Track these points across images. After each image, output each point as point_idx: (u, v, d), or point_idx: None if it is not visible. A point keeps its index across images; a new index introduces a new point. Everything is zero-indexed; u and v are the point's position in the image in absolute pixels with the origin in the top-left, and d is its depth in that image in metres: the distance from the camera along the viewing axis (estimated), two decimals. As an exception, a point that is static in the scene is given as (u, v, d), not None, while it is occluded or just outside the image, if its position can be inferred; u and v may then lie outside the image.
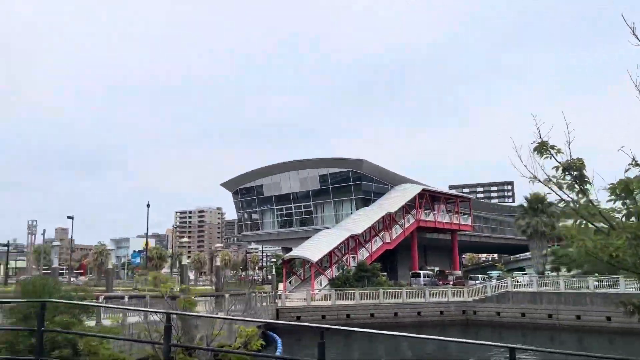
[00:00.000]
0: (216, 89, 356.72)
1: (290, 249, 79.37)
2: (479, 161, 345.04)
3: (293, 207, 74.24)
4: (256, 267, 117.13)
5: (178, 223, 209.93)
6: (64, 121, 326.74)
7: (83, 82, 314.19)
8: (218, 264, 36.26)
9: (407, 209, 63.13)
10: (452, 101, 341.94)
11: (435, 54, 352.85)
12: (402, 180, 68.66)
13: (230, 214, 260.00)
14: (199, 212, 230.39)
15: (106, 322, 15.80)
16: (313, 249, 51.41)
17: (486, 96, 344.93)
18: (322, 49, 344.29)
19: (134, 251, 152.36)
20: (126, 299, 24.95)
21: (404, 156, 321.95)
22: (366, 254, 56.41)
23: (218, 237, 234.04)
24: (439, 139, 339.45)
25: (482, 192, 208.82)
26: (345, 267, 53.35)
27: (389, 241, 59.53)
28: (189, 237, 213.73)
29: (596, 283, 41.21)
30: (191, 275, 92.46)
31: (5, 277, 58.25)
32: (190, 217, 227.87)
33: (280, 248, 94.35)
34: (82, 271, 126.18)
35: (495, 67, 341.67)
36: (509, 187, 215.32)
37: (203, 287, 59.65)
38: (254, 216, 79.82)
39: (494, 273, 72.44)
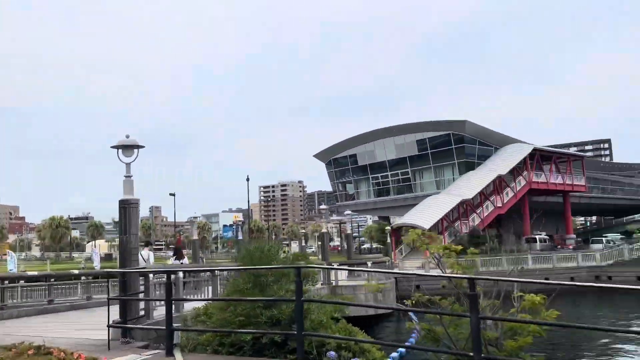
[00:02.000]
0: (293, 60, 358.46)
1: (387, 218, 78.02)
2: (567, 119, 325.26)
3: (389, 175, 72.27)
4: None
5: (262, 197, 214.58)
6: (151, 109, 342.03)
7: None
8: (349, 231, 35.22)
9: (517, 170, 59.30)
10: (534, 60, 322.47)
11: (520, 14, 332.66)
12: (507, 140, 64.49)
13: (313, 186, 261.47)
14: (282, 186, 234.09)
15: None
16: (423, 215, 49.45)
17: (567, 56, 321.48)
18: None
19: (224, 225, 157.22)
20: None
21: (489, 118, 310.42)
22: (477, 220, 53.66)
23: (301, 210, 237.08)
24: (522, 98, 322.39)
25: (575, 151, 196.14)
26: (458, 233, 51.02)
27: (501, 205, 56.33)
28: (273, 210, 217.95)
29: None
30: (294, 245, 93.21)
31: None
32: (273, 192, 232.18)
33: (375, 217, 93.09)
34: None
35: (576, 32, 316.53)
36: (606, 145, 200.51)
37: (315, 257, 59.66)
38: (349, 186, 78.87)
39: (612, 236, 67.54)
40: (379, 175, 73.63)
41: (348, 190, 79.42)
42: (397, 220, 52.86)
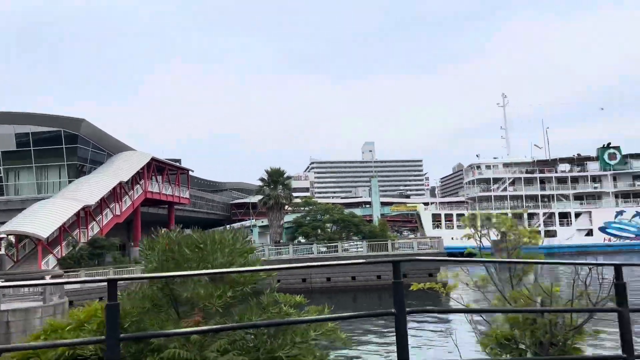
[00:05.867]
0: None
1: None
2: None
3: (-30, 172, 57.43)
4: None
5: None
6: None
7: None
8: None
9: (134, 179, 57.31)
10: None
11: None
12: (123, 147, 61.62)
13: None
14: None
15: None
16: (39, 222, 41.28)
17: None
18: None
19: None
20: None
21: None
22: (97, 229, 48.74)
23: None
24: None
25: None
26: (76, 243, 44.87)
27: (119, 214, 53.01)
28: None
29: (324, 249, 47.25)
30: None
31: None
32: None
33: None
34: None
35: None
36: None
37: None
38: None
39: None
40: (-48, 171, 57.45)
41: None
42: (2, 228, 41.93)
